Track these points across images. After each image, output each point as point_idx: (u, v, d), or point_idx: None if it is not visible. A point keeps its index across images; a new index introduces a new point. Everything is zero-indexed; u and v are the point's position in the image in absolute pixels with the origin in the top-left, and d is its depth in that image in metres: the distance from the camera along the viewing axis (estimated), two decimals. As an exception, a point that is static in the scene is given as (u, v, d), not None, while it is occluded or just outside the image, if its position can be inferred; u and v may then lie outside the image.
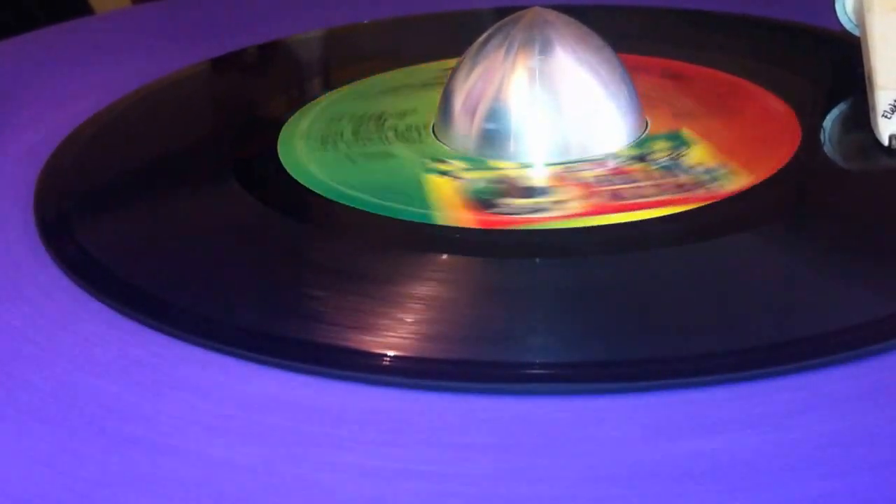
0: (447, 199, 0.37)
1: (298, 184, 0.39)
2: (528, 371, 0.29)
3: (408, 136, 0.43)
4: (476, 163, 0.40)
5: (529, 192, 0.38)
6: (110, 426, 0.28)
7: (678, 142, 0.41)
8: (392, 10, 0.61)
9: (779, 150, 0.40)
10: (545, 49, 0.40)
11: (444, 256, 0.35)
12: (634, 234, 0.35)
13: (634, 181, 0.38)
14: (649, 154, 0.40)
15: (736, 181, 0.37)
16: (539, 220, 0.36)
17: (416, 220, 0.36)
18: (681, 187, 0.37)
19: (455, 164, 0.40)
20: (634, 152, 0.40)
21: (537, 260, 0.35)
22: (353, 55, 0.56)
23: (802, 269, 0.34)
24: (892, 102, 0.40)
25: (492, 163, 0.40)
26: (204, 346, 0.31)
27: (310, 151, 0.42)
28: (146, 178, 0.42)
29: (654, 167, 0.39)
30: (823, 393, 0.28)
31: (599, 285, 0.33)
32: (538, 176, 0.39)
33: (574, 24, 0.42)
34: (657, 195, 0.37)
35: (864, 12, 0.44)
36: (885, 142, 0.40)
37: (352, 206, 0.37)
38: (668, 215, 0.36)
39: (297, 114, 0.46)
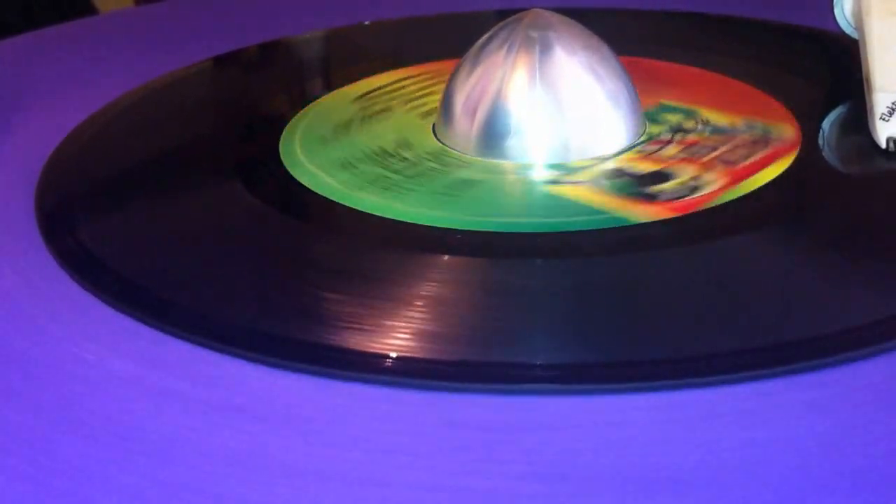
0: (606, 202, 0.37)
1: (300, 184, 0.39)
2: (529, 371, 0.29)
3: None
4: (558, 168, 0.40)
5: (659, 176, 0.38)
6: (109, 425, 0.28)
7: (685, 113, 0.41)
8: (394, 11, 0.61)
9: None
10: (545, 50, 0.40)
11: (446, 257, 0.35)
12: (635, 236, 0.35)
13: (717, 147, 0.39)
14: (677, 126, 0.41)
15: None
16: (710, 196, 0.37)
17: (610, 225, 0.35)
18: (758, 143, 0.40)
19: (551, 173, 0.39)
20: (660, 129, 0.41)
21: (538, 261, 0.35)
22: (355, 55, 0.56)
23: (802, 270, 0.34)
24: (890, 105, 0.40)
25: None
26: (204, 345, 0.31)
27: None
28: (148, 177, 0.42)
29: (707, 132, 0.40)
30: (824, 393, 0.28)
31: (600, 286, 0.33)
32: (630, 162, 0.39)
33: (574, 25, 0.42)
34: (754, 154, 0.38)
35: (863, 16, 0.44)
36: (883, 144, 0.40)
37: (353, 206, 0.38)
38: (670, 218, 0.36)
39: (299, 114, 0.46)
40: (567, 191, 0.38)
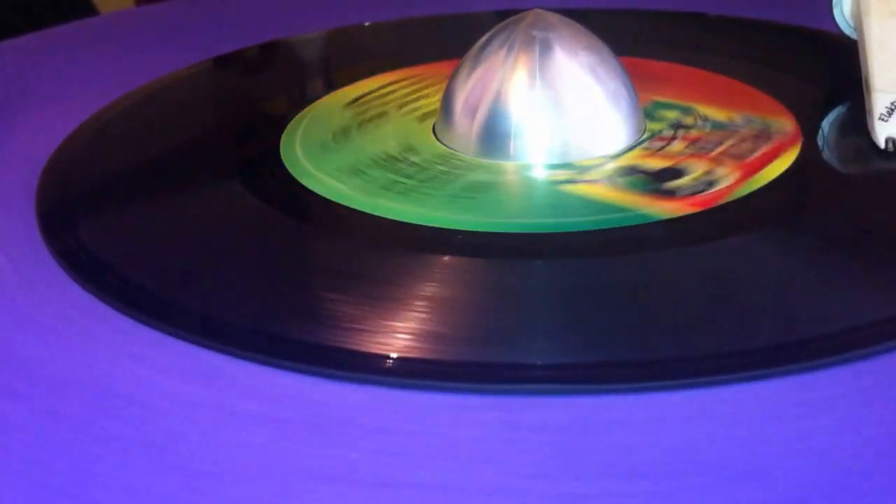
0: (626, 199, 0.37)
1: (300, 184, 0.39)
2: (529, 371, 0.29)
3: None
4: (569, 167, 0.40)
5: (672, 172, 0.39)
6: (109, 425, 0.28)
7: (681, 109, 0.42)
8: (394, 12, 0.61)
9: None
10: (545, 51, 0.40)
11: (447, 257, 0.35)
12: (635, 236, 0.35)
13: (722, 142, 0.40)
14: (677, 122, 0.41)
15: (729, 182, 0.38)
16: (728, 190, 0.37)
17: (637, 222, 0.36)
18: (760, 137, 0.40)
19: (564, 173, 0.39)
20: (661, 126, 0.41)
21: (539, 261, 0.35)
22: (356, 56, 0.56)
23: (801, 271, 0.34)
24: (889, 105, 0.40)
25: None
26: (204, 345, 0.31)
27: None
28: (148, 177, 0.42)
29: (708, 127, 0.41)
30: (824, 393, 0.28)
31: (600, 287, 0.33)
32: (640, 159, 0.40)
33: (574, 26, 0.42)
34: (759, 147, 0.39)
35: (862, 16, 0.44)
36: (882, 144, 0.40)
37: (353, 207, 0.38)
38: (670, 218, 0.36)
39: (299, 114, 0.46)
40: (585, 189, 0.38)
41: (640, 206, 0.37)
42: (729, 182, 0.38)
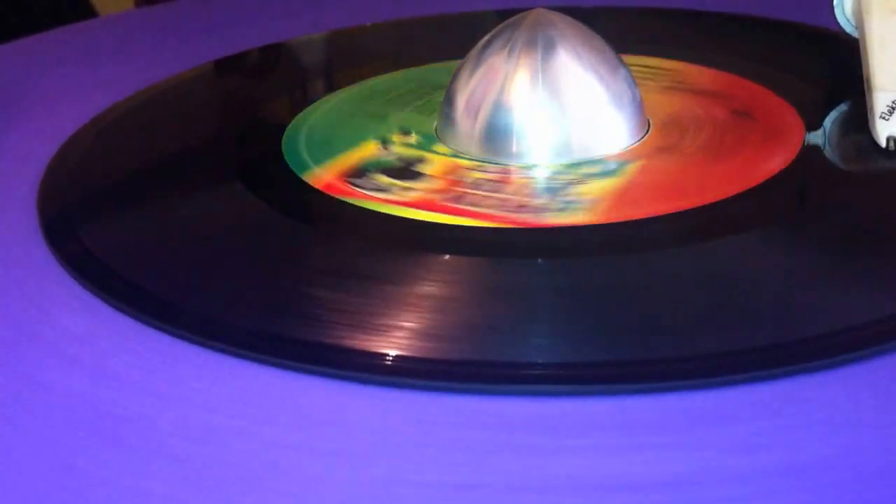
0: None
1: (302, 184, 0.40)
2: (530, 371, 0.29)
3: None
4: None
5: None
6: (110, 426, 0.28)
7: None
8: (395, 12, 0.61)
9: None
10: (548, 50, 0.40)
11: (447, 257, 0.35)
12: (635, 235, 0.35)
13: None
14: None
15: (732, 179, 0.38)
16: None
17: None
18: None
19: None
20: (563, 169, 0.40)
21: (539, 260, 0.35)
22: (357, 57, 0.56)
23: (801, 270, 0.34)
24: (890, 104, 0.40)
25: (497, 163, 0.40)
26: (207, 346, 0.31)
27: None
28: (150, 178, 0.42)
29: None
30: (824, 393, 0.28)
31: (600, 286, 0.33)
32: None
33: (577, 25, 0.42)
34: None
35: (863, 15, 0.44)
36: (883, 143, 0.40)
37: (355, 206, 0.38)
38: (669, 215, 0.36)
39: (300, 115, 0.46)
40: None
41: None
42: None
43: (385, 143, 0.42)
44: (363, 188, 0.39)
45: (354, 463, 0.26)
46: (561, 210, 0.37)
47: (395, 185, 0.39)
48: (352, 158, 0.41)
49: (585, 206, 0.37)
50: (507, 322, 0.32)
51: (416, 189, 0.38)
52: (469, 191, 0.38)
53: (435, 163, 0.41)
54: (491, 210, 0.37)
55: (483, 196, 0.38)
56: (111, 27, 0.66)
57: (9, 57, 0.58)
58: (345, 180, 0.39)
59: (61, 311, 0.33)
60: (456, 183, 0.39)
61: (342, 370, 0.29)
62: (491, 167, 0.40)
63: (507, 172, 0.39)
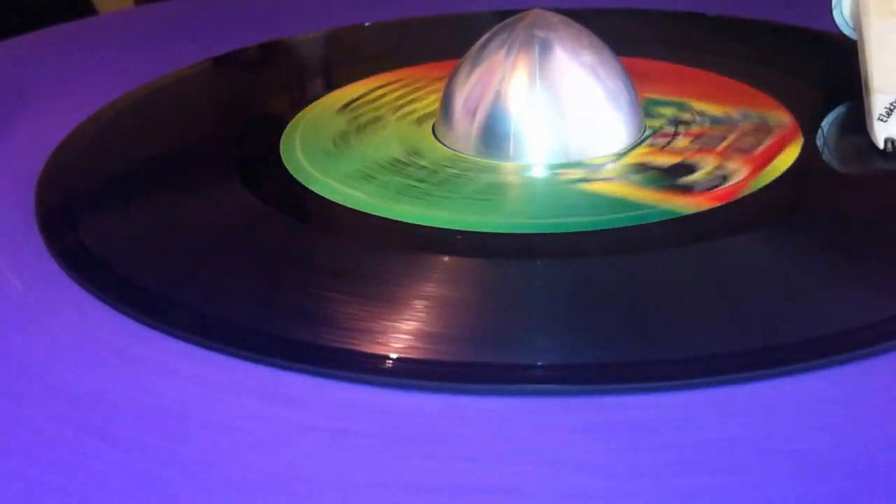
0: (645, 196, 0.37)
1: (301, 184, 0.40)
2: (530, 372, 0.29)
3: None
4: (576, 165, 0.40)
5: (684, 168, 0.39)
6: (110, 426, 0.28)
7: (677, 106, 0.43)
8: (393, 12, 0.61)
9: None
10: (545, 50, 0.40)
11: (446, 258, 0.35)
12: (635, 236, 0.35)
13: (726, 136, 0.41)
14: (675, 118, 0.42)
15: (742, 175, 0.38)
16: (741, 185, 0.38)
17: (661, 218, 0.36)
18: (760, 131, 0.41)
19: (576, 172, 0.39)
20: (659, 122, 0.42)
21: (538, 262, 0.35)
22: (354, 57, 0.56)
23: (800, 271, 0.34)
24: (888, 106, 0.40)
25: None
26: (204, 345, 0.31)
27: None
28: (148, 176, 0.42)
29: (707, 123, 0.42)
30: (823, 393, 0.28)
31: (600, 286, 0.33)
32: (648, 156, 0.40)
33: (574, 25, 0.42)
34: (762, 141, 0.40)
35: (861, 17, 0.44)
36: (881, 145, 0.40)
37: (353, 207, 0.38)
38: (670, 217, 0.36)
39: (299, 114, 0.46)
40: (602, 188, 0.38)
41: (658, 202, 0.37)
42: (742, 175, 0.38)
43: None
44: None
45: (353, 463, 0.26)
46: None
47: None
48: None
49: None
50: (508, 323, 0.32)
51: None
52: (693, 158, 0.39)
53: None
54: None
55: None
56: (111, 26, 0.66)
57: (8, 54, 0.58)
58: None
59: (58, 307, 0.33)
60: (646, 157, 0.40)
61: (341, 370, 0.29)
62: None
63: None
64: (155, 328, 0.32)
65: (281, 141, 0.43)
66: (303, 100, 0.49)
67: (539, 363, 0.30)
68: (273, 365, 0.30)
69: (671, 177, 0.39)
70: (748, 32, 0.55)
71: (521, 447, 0.27)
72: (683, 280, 0.33)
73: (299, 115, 0.46)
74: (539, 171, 0.40)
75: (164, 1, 0.68)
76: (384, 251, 0.36)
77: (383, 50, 0.56)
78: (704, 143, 0.41)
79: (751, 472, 0.25)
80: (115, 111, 0.48)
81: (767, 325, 0.31)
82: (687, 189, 0.38)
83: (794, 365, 0.29)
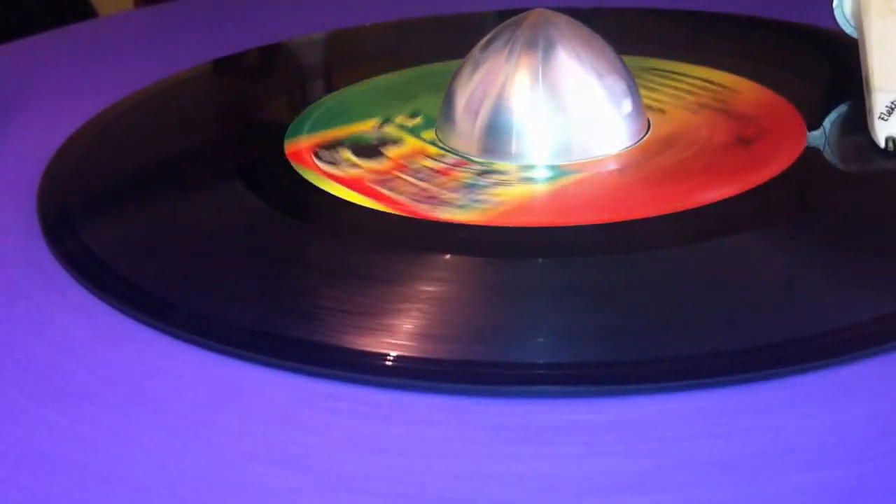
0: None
1: (302, 184, 0.40)
2: (530, 372, 0.29)
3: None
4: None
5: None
6: (110, 425, 0.28)
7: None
8: (395, 12, 0.61)
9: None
10: (548, 50, 0.40)
11: (448, 256, 0.35)
12: (636, 235, 0.35)
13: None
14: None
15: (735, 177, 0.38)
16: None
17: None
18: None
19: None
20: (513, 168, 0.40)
21: (540, 260, 0.35)
22: (357, 57, 0.56)
23: (801, 270, 0.34)
24: (889, 104, 0.40)
25: (497, 163, 0.40)
26: (207, 346, 0.31)
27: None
28: (150, 178, 0.42)
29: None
30: (823, 394, 0.28)
31: (600, 286, 0.33)
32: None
33: (577, 25, 0.42)
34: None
35: (862, 15, 0.44)
36: (882, 144, 0.40)
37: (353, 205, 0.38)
38: (669, 215, 0.36)
39: (300, 115, 0.46)
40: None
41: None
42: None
43: (385, 121, 0.42)
44: (321, 159, 0.39)
45: (353, 464, 0.26)
46: (461, 207, 0.37)
47: (349, 160, 0.39)
48: (343, 132, 0.41)
49: (487, 207, 0.37)
50: (508, 322, 0.32)
51: (361, 167, 0.39)
52: (403, 176, 0.38)
53: (405, 146, 0.41)
54: (401, 197, 0.37)
55: (408, 183, 0.38)
56: (111, 27, 0.66)
57: (8, 56, 0.58)
58: (313, 151, 0.39)
59: (61, 309, 0.33)
60: (401, 167, 0.39)
61: (340, 370, 0.29)
62: (451, 158, 0.40)
63: (459, 165, 0.40)
64: (156, 328, 0.32)
65: (285, 138, 0.43)
66: (304, 100, 0.49)
67: (539, 363, 0.30)
68: (275, 366, 0.30)
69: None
70: (749, 30, 0.55)
71: (520, 447, 0.27)
72: (684, 279, 0.33)
73: (304, 112, 0.46)
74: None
75: (163, 3, 0.68)
76: (384, 251, 0.36)
77: (384, 50, 0.56)
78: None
79: (749, 473, 0.25)
80: (117, 113, 0.48)
81: (767, 325, 0.31)
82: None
83: (794, 365, 0.29)
